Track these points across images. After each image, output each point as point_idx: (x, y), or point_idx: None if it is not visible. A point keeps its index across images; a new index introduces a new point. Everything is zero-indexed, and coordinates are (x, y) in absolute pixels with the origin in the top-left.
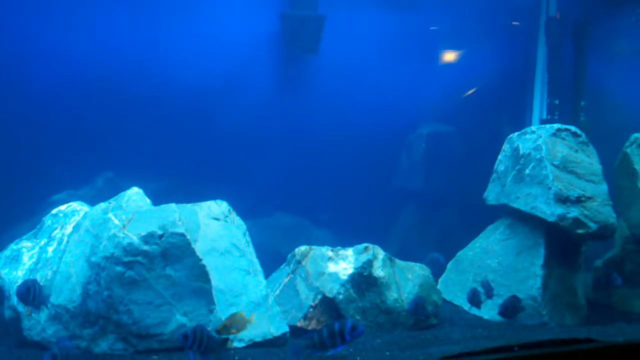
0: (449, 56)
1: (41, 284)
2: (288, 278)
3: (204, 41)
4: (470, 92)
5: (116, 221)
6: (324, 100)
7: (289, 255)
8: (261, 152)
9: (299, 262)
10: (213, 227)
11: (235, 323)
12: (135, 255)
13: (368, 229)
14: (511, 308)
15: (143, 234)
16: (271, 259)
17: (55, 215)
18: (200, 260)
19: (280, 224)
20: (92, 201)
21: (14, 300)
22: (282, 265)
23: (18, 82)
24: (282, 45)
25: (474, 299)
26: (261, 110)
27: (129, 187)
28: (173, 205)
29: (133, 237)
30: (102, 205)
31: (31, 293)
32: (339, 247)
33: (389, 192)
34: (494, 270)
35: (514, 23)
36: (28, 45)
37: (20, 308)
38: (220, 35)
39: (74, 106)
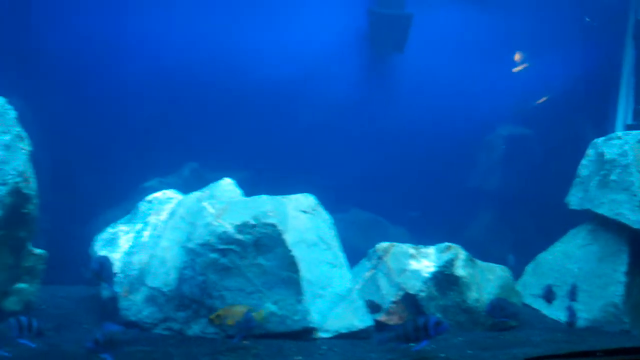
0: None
1: (137, 266)
2: (369, 273)
3: (291, 37)
4: (543, 99)
5: (211, 210)
6: (406, 99)
7: (369, 251)
8: (341, 148)
9: (380, 258)
10: (301, 220)
11: (231, 314)
12: (230, 244)
13: (444, 228)
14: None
15: (237, 223)
16: (347, 253)
17: (150, 201)
18: (290, 250)
19: (357, 219)
20: (178, 189)
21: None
22: (362, 260)
23: (114, 77)
24: (368, 43)
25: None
26: (343, 107)
27: (212, 177)
28: (265, 196)
29: (227, 226)
30: (196, 194)
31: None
32: (421, 245)
33: (466, 192)
34: (575, 275)
35: (599, 25)
36: (121, 41)
37: (118, 288)
38: (307, 31)
39: (164, 99)
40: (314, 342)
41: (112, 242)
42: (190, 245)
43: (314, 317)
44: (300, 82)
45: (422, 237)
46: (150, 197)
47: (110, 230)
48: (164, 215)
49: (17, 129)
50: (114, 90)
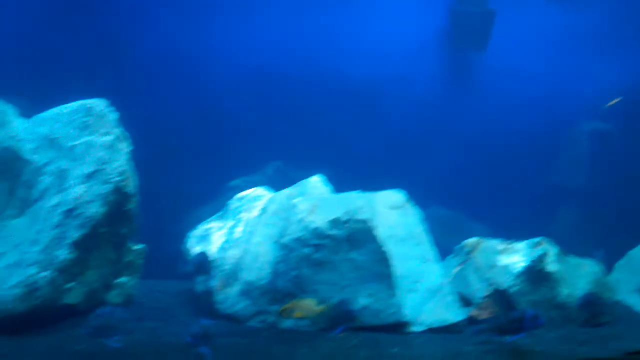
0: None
1: (231, 261)
2: (458, 269)
3: (372, 36)
4: (617, 100)
5: (303, 206)
6: (488, 97)
7: (455, 247)
8: (422, 145)
9: (468, 254)
10: (391, 216)
11: (299, 307)
12: (323, 239)
13: (526, 224)
14: None
15: (330, 219)
16: None
17: (241, 199)
18: (382, 246)
19: (437, 216)
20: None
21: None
22: (449, 257)
23: (202, 79)
24: (450, 42)
25: None
26: (424, 105)
27: (296, 175)
28: (355, 193)
29: (320, 221)
30: (287, 191)
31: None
32: (510, 240)
33: (550, 188)
34: None
35: None
36: (209, 44)
37: (212, 283)
38: (388, 30)
39: (248, 101)
40: (407, 335)
41: (205, 238)
42: (284, 240)
43: (407, 311)
44: (382, 81)
45: (505, 233)
46: (241, 194)
47: (203, 227)
48: (255, 212)
49: (119, 130)
50: (202, 92)
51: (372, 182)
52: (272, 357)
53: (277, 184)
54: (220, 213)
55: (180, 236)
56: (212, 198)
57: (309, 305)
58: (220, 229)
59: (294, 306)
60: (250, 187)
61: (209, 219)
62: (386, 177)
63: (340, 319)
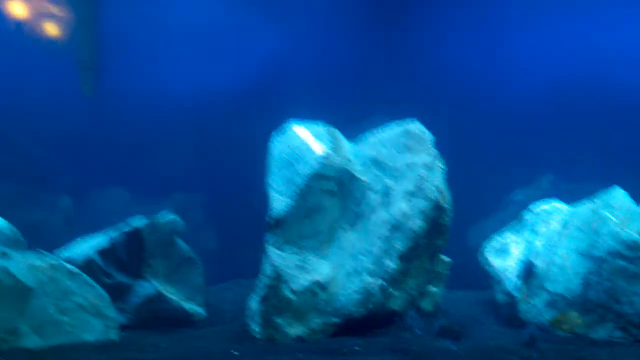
0: None
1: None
2: None
3: None
4: None
5: (614, 219)
6: None
7: None
8: None
9: None
10: None
11: (566, 321)
12: (638, 251)
13: None
14: None
15: None
16: None
17: (537, 213)
18: None
19: None
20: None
21: (508, 285)
22: None
23: (486, 98)
24: None
25: None
26: None
27: (565, 188)
28: None
29: (635, 234)
30: (587, 204)
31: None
32: None
33: None
34: None
35: None
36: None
37: (515, 293)
38: None
39: (527, 113)
40: None
41: (503, 250)
42: (595, 252)
43: None
44: None
45: None
46: (537, 208)
47: (498, 238)
48: (554, 225)
49: (435, 151)
50: (484, 109)
51: None
52: None
53: (551, 197)
54: (514, 225)
55: (462, 247)
56: (494, 210)
57: (574, 319)
58: (517, 241)
59: (562, 318)
60: (531, 201)
61: (502, 231)
62: None
63: None
